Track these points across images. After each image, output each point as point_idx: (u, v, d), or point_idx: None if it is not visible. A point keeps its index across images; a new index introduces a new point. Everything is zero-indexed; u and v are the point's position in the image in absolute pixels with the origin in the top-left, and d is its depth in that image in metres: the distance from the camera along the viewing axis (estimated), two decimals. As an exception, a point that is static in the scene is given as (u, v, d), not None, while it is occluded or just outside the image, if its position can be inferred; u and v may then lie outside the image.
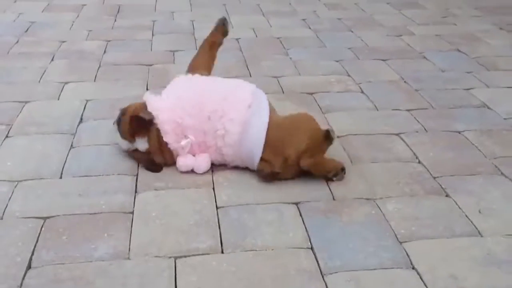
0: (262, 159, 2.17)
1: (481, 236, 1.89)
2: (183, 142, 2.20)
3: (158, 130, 2.21)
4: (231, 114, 2.18)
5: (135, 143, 2.27)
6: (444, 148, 2.46)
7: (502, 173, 2.27)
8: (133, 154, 2.31)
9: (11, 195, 2.11)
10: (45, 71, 3.32)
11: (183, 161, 2.22)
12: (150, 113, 2.22)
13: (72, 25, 4.24)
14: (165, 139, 2.20)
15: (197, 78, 2.37)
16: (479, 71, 3.34)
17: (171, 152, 2.24)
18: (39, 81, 3.19)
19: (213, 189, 2.17)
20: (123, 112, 2.34)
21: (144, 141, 2.24)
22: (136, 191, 2.15)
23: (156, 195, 2.12)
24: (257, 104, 2.24)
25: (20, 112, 2.79)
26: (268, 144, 2.16)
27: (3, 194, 2.12)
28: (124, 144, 2.31)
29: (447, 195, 2.13)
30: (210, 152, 2.24)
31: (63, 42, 3.83)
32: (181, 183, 2.19)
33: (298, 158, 2.15)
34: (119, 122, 2.32)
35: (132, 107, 2.33)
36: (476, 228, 1.93)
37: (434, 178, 2.23)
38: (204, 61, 2.55)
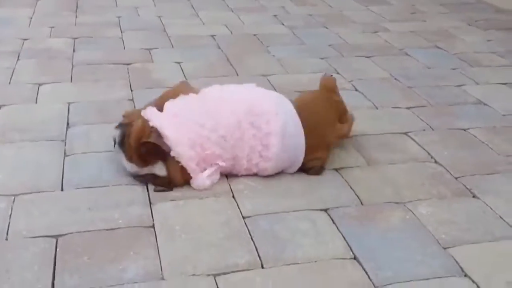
0: (308, 158, 2.12)
1: (523, 238, 1.85)
2: (208, 172, 2.05)
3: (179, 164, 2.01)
4: (267, 129, 2.06)
5: (150, 168, 2.02)
6: (456, 147, 2.41)
7: (520, 172, 2.24)
8: (145, 177, 2.04)
9: (11, 212, 1.89)
10: (13, 71, 3.06)
11: (201, 183, 2.04)
12: (166, 144, 1.99)
13: (31, 21, 3.96)
14: (190, 173, 2.03)
15: (206, 96, 2.16)
16: (464, 68, 3.34)
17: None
18: (9, 83, 2.93)
19: (233, 197, 2.02)
20: (125, 131, 2.04)
21: (161, 167, 2.01)
22: (150, 202, 1.97)
23: (174, 206, 1.95)
24: (283, 110, 2.12)
25: (-3, 117, 2.54)
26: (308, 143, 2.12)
27: (2, 211, 1.89)
28: (132, 168, 2.04)
29: (474, 196, 2.07)
30: (238, 170, 2.11)
31: (25, 40, 3.56)
32: (198, 193, 2.03)
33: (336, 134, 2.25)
34: (121, 142, 2.04)
35: (136, 126, 2.03)
36: (515, 230, 1.89)
37: (456, 178, 2.18)
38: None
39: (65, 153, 2.27)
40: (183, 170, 2.03)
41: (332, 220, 1.91)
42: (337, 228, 1.87)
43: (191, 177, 2.05)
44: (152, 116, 2.08)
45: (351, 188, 2.10)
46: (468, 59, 3.47)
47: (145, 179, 2.06)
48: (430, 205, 2.00)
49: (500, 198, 2.06)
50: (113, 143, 2.10)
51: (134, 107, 2.68)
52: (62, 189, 2.04)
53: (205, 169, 2.06)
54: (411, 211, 1.97)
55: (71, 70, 3.11)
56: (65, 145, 2.33)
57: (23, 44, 3.49)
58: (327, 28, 4.02)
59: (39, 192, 2.01)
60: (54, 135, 2.39)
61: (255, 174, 2.14)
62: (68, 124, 2.50)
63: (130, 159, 2.02)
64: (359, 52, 3.54)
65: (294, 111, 2.13)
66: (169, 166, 2.02)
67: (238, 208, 1.96)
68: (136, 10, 4.30)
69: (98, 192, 2.02)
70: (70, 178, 2.10)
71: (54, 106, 2.67)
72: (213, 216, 1.91)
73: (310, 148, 2.12)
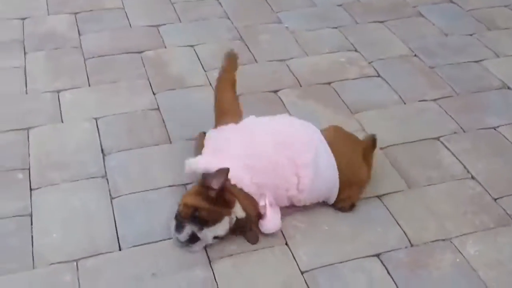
0: (340, 198, 2.18)
1: None
2: (263, 202, 2.09)
3: (243, 191, 2.06)
4: (299, 160, 2.10)
5: (233, 213, 2.04)
6: (489, 156, 2.47)
7: (556, 186, 2.33)
8: (235, 228, 2.06)
9: (79, 286, 1.95)
10: (25, 73, 2.95)
11: (273, 226, 2.09)
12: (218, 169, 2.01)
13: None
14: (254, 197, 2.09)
15: (245, 128, 2.19)
16: (481, 32, 3.32)
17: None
18: (26, 92, 2.84)
19: (287, 244, 2.10)
20: (190, 210, 1.99)
21: (238, 207, 2.05)
22: (209, 260, 2.04)
23: (233, 264, 2.02)
24: (317, 143, 2.16)
25: (29, 147, 2.50)
26: (340, 181, 2.15)
27: (69, 286, 1.95)
28: (226, 225, 2.03)
29: (514, 224, 2.18)
30: (279, 203, 2.15)
31: (24, 19, 3.40)
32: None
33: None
34: (196, 220, 1.99)
35: (191, 198, 2.03)
36: (560, 269, 2.01)
37: (495, 200, 2.27)
38: (231, 104, 2.27)
39: (110, 195, 2.28)
40: (249, 198, 2.08)
41: (387, 270, 2.01)
42: (393, 279, 1.97)
43: (258, 209, 2.10)
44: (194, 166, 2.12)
45: (397, 222, 2.17)
46: (484, 19, 3.43)
47: (237, 229, 2.09)
48: (476, 242, 2.09)
49: (539, 226, 2.17)
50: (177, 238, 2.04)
51: (163, 120, 2.65)
52: (120, 248, 2.08)
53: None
54: (460, 251, 2.06)
55: (85, 67, 3.01)
56: (107, 183, 2.33)
57: (23, 26, 3.33)
58: (333, -24, 3.88)
59: (98, 254, 2.05)
60: (93, 171, 2.38)
61: (294, 206, 2.20)
62: (103, 151, 2.48)
63: (220, 218, 2.02)
64: (372, 16, 3.46)
65: (326, 144, 2.15)
66: (239, 198, 2.05)
67: (295, 260, 2.04)
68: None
69: (155, 251, 2.06)
70: (124, 233, 2.12)
71: (81, 126, 2.62)
72: (272, 275, 1.98)
73: (341, 185, 2.15)
